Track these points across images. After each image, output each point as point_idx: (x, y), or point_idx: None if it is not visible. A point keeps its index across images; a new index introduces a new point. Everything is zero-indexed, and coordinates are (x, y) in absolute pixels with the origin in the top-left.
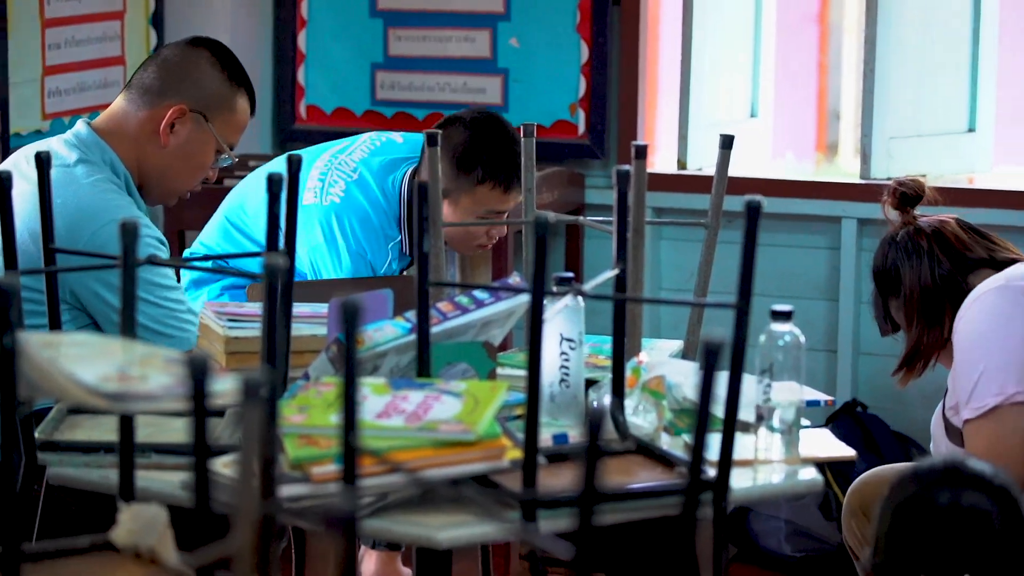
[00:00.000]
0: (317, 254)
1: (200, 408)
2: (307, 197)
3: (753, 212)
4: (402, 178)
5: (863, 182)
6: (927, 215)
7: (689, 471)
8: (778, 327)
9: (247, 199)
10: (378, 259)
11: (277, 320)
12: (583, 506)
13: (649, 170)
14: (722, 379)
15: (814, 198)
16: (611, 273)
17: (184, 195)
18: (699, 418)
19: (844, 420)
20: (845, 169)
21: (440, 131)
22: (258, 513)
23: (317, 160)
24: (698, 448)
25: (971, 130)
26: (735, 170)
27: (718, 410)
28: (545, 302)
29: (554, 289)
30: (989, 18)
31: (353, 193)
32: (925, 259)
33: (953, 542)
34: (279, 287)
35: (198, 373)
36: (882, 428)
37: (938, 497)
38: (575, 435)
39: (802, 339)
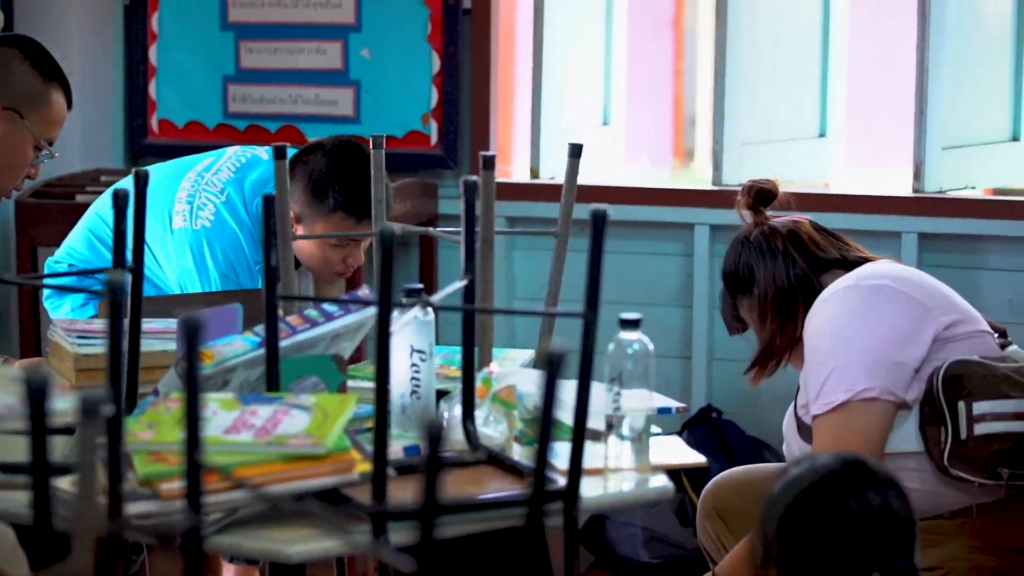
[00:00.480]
0: (187, 278)
1: (39, 426)
2: (176, 221)
3: (599, 221)
4: None
5: (715, 188)
6: (779, 216)
7: (533, 481)
8: (627, 335)
9: (108, 213)
10: (246, 283)
11: (121, 336)
12: (424, 519)
13: (504, 179)
14: (571, 388)
15: (666, 205)
16: (459, 284)
17: (7, 194)
18: (542, 429)
19: (699, 426)
20: (701, 175)
21: (291, 147)
22: (102, 531)
23: (183, 180)
24: (541, 458)
25: (822, 135)
26: (589, 178)
27: (568, 419)
28: (395, 314)
29: (403, 301)
30: (839, 24)
31: (223, 216)
32: (780, 259)
33: (865, 542)
34: (122, 304)
35: (36, 391)
36: (737, 433)
37: (846, 499)
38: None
39: (651, 347)
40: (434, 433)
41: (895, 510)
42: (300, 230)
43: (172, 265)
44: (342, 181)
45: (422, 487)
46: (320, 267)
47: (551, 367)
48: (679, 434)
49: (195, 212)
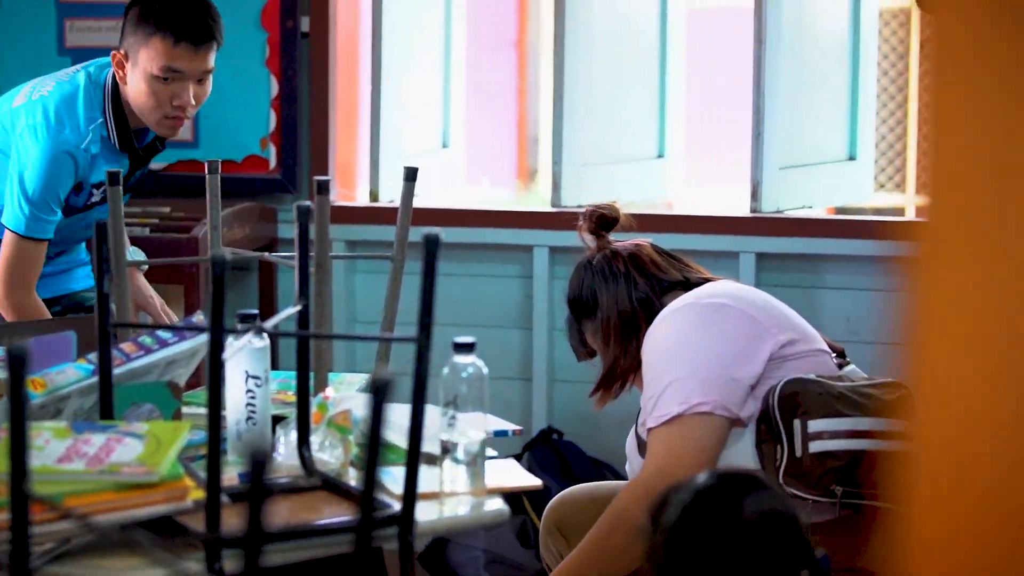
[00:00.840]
0: (21, 140)
1: None
2: (17, 100)
3: (431, 245)
4: (109, 74)
5: (554, 210)
6: (621, 240)
7: (360, 507)
8: (461, 359)
9: None
10: (75, 136)
11: None
12: (249, 547)
13: (346, 203)
14: (406, 412)
15: (505, 227)
16: (294, 309)
17: None
18: (368, 455)
19: (541, 447)
20: (545, 196)
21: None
22: None
23: (29, 82)
24: (368, 484)
25: (660, 156)
26: (429, 201)
27: (404, 443)
28: (229, 340)
29: (237, 327)
30: (676, 45)
31: (63, 85)
32: (622, 282)
33: (775, 549)
34: None
35: None
36: (578, 454)
37: (741, 508)
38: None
39: (485, 370)
40: (258, 460)
41: (795, 515)
42: (128, 69)
43: (10, 139)
44: (165, 4)
45: (246, 515)
46: (150, 111)
47: (376, 393)
48: (520, 456)
49: (37, 89)
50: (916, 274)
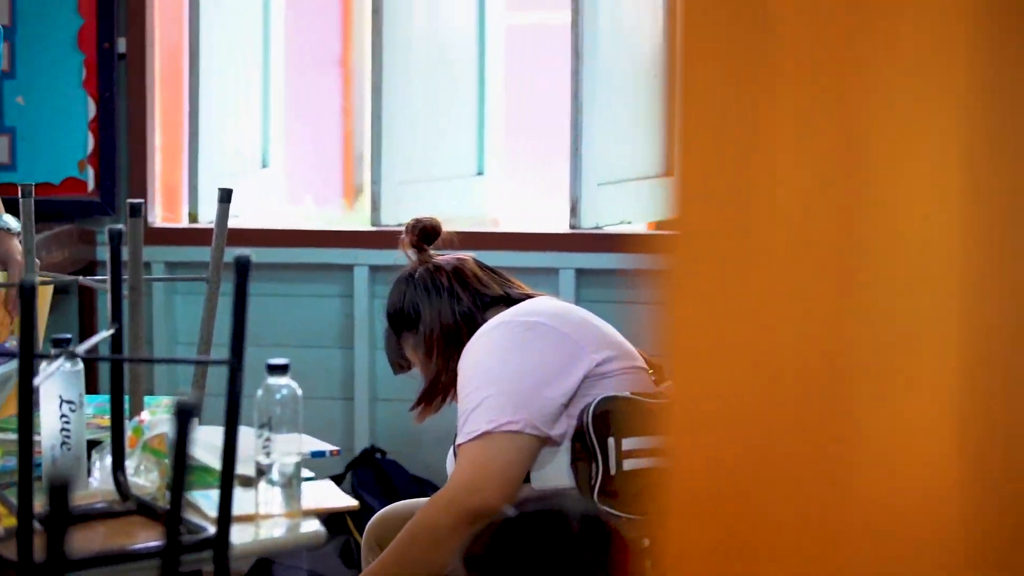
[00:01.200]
0: None
1: None
2: None
3: (242, 268)
4: None
5: (374, 229)
6: (443, 254)
7: (166, 532)
8: (275, 381)
9: None
10: None
11: None
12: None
13: (167, 224)
14: (219, 435)
15: (325, 247)
16: (106, 333)
17: None
18: (174, 479)
19: (363, 466)
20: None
21: None
22: None
23: None
24: (175, 508)
25: (480, 173)
26: (249, 221)
27: (219, 466)
28: (43, 364)
29: (51, 351)
30: (494, 63)
31: None
32: (445, 296)
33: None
34: None
35: None
36: (400, 472)
37: (567, 524)
38: (77, 498)
39: (299, 392)
40: (56, 484)
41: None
42: None
43: None
44: None
45: (45, 543)
46: None
47: (180, 417)
48: (343, 475)
49: None
50: (668, 286)
